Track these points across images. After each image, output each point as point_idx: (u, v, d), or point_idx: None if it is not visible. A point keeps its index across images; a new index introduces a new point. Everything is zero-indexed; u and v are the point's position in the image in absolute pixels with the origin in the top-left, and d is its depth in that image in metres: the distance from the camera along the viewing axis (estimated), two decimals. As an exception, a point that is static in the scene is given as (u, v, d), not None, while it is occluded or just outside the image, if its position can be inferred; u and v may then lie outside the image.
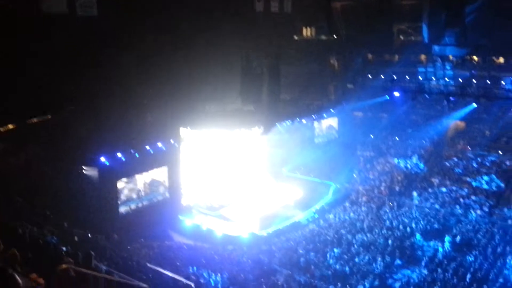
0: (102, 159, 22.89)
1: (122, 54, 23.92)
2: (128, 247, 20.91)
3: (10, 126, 22.06)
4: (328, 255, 22.48)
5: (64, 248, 12.01)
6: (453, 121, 35.52)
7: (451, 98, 30.07)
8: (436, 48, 28.99)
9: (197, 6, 26.29)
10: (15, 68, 19.74)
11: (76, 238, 17.75)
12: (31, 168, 21.74)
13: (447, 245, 23.46)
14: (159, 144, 25.73)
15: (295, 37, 39.79)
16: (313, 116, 34.01)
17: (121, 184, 24.11)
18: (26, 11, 20.26)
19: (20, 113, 21.39)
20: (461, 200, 28.12)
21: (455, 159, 32.70)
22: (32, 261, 8.55)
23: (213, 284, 18.20)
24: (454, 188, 29.55)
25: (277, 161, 34.12)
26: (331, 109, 36.03)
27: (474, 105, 32.36)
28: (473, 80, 33.80)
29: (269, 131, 29.52)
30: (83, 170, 22.83)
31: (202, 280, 16.86)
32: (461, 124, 35.59)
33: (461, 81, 33.24)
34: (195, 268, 19.27)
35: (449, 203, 28.04)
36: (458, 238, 23.72)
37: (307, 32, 40.52)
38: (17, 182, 20.60)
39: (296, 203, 30.17)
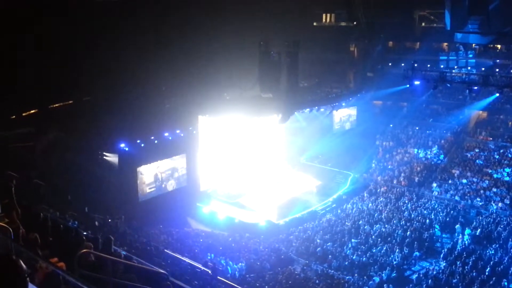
0: (122, 145, 23.11)
1: (142, 41, 23.95)
2: (148, 232, 21.13)
3: (32, 111, 22.35)
4: (345, 246, 22.43)
5: (84, 233, 12.16)
6: (475, 111, 34.79)
7: (473, 88, 29.33)
8: (458, 35, 28.16)
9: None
10: (37, 54, 19.92)
11: (96, 223, 18.00)
12: (52, 153, 22.03)
13: (466, 237, 23.16)
14: (178, 132, 25.83)
15: (314, 24, 39.37)
16: (331, 104, 33.68)
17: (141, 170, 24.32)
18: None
19: (43, 98, 21.64)
20: (482, 192, 27.65)
21: (477, 150, 32.11)
22: (53, 245, 8.66)
23: (230, 271, 18.30)
24: (474, 179, 29.08)
25: (295, 150, 33.99)
26: (350, 98, 35.62)
27: (497, 94, 31.59)
28: (496, 69, 33.00)
29: (287, 119, 29.30)
30: (103, 156, 23.09)
31: (219, 267, 16.96)
32: (483, 114, 34.85)
33: (484, 69, 32.47)
34: (212, 255, 19.40)
35: (470, 195, 27.61)
36: (478, 231, 23.38)
37: (326, 18, 40.05)
38: (39, 166, 20.92)
39: (315, 192, 30.08)
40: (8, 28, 18.78)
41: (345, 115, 36.35)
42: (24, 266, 2.77)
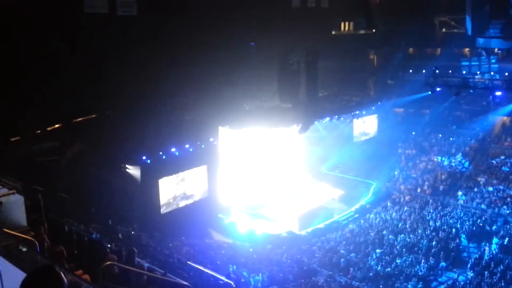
0: (144, 158, 23.33)
1: (162, 54, 24.25)
2: (170, 244, 21.21)
3: (57, 125, 22.78)
4: (369, 256, 22.11)
5: (108, 245, 12.28)
6: (500, 117, 34.07)
7: (497, 93, 28.80)
8: (480, 40, 27.85)
9: (233, 5, 26.29)
10: (60, 70, 20.35)
11: (120, 236, 18.15)
12: (76, 166, 22.39)
13: (494, 247, 22.57)
14: (199, 143, 25.97)
15: (333, 33, 39.29)
16: (352, 113, 33.45)
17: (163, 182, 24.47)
18: (68, 12, 20.81)
19: (66, 112, 22.05)
20: (509, 199, 26.95)
21: (502, 156, 31.38)
22: (78, 258, 8.77)
23: (253, 283, 18.19)
24: (501, 187, 28.36)
25: (316, 159, 33.81)
26: (370, 106, 35.32)
27: (521, 99, 30.99)
28: (520, 73, 32.32)
29: (307, 129, 29.22)
30: (126, 169, 23.35)
31: (242, 279, 16.88)
32: (508, 120, 34.10)
33: (507, 74, 31.83)
34: (234, 267, 19.33)
35: (496, 203, 26.93)
36: (506, 240, 22.76)
37: (345, 27, 39.92)
38: (63, 180, 21.28)
39: (337, 202, 29.85)
40: (30, 44, 19.28)
41: (365, 123, 36.01)
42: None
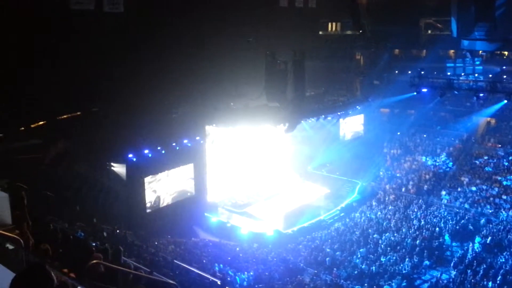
0: (130, 155, 23.15)
1: (149, 53, 24.10)
2: (156, 243, 21.10)
3: (41, 123, 22.49)
4: (354, 255, 22.27)
5: (93, 244, 12.18)
6: (483, 118, 34.60)
7: (481, 94, 29.19)
8: (465, 42, 28.12)
9: (221, 3, 26.23)
10: (45, 66, 20.08)
11: (105, 234, 18.01)
12: (61, 164, 22.14)
13: (477, 245, 22.92)
14: (185, 141, 25.86)
15: (320, 33, 39.47)
16: (338, 113, 33.62)
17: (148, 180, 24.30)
18: (54, 8, 20.54)
19: (51, 110, 21.78)
20: (492, 199, 27.40)
21: (485, 157, 31.88)
22: (63, 256, 8.67)
23: (238, 281, 18.20)
24: (484, 187, 28.84)
25: (302, 159, 33.92)
26: (357, 106, 35.53)
27: (505, 101, 31.41)
28: (504, 75, 32.82)
29: (294, 128, 29.27)
30: (111, 167, 23.14)
31: (228, 278, 16.89)
32: (492, 121, 34.65)
33: (491, 76, 32.31)
34: (221, 265, 19.32)
35: (479, 203, 27.36)
36: (488, 239, 23.14)
37: (332, 27, 40.16)
38: (47, 178, 21.01)
39: (323, 201, 29.98)
40: (16, 40, 18.99)
41: (352, 123, 36.25)
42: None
